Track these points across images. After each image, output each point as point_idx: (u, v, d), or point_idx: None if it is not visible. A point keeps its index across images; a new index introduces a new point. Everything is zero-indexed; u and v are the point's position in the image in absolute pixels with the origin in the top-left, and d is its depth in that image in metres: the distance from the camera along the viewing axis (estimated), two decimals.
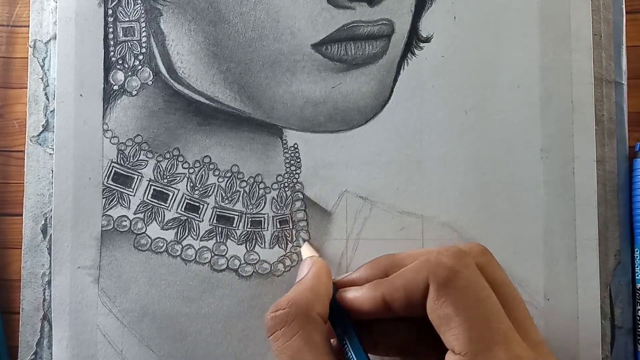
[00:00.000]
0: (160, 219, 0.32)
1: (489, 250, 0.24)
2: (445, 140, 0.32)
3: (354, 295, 0.24)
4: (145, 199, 0.32)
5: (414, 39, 0.32)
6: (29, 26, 0.34)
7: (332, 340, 0.25)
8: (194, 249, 0.32)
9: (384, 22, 0.32)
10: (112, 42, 0.33)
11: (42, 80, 0.33)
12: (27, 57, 0.33)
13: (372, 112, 0.32)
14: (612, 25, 0.32)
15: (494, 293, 0.22)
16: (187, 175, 0.32)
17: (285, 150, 0.32)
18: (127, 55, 0.33)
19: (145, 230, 0.32)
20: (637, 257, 0.31)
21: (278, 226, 0.32)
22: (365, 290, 0.24)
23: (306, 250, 0.30)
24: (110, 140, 0.32)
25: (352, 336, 0.24)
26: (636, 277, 0.31)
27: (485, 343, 0.20)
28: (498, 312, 0.22)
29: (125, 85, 0.32)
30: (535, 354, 0.21)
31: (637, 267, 0.31)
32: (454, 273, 0.22)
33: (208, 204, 0.32)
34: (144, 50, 0.33)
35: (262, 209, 0.32)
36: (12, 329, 0.33)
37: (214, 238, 0.32)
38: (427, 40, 0.32)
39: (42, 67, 0.33)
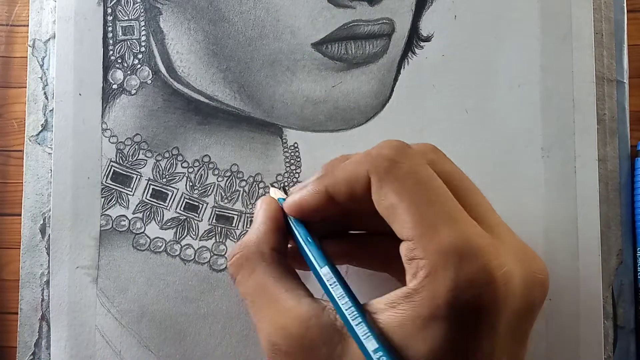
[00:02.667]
0: (159, 218, 0.32)
1: (441, 151, 0.24)
2: (445, 140, 0.32)
3: (300, 195, 0.24)
4: (144, 198, 0.32)
5: (415, 38, 0.32)
6: (28, 25, 0.34)
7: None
8: (193, 248, 0.32)
9: (385, 21, 0.32)
10: (111, 41, 0.33)
11: (41, 79, 0.33)
12: (26, 57, 0.33)
13: (373, 112, 0.32)
14: (613, 23, 0.32)
15: (444, 184, 0.21)
16: (187, 175, 0.32)
17: (285, 150, 0.32)
18: (127, 54, 0.32)
19: (144, 230, 0.32)
20: (639, 256, 0.31)
21: None
22: (309, 186, 0.24)
23: (274, 194, 0.29)
24: (109, 140, 0.32)
25: (307, 240, 0.24)
26: (638, 277, 0.31)
27: (430, 224, 0.20)
28: (443, 194, 0.21)
29: (125, 84, 0.32)
30: (488, 233, 0.21)
31: None
32: (394, 163, 0.21)
33: (207, 204, 0.32)
34: (143, 49, 0.32)
35: None
36: (10, 330, 0.33)
37: (213, 238, 0.32)
38: (428, 39, 0.32)
39: (41, 66, 0.33)
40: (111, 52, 0.33)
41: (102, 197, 0.32)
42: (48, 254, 0.32)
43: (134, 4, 0.33)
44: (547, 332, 0.30)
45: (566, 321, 0.30)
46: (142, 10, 0.33)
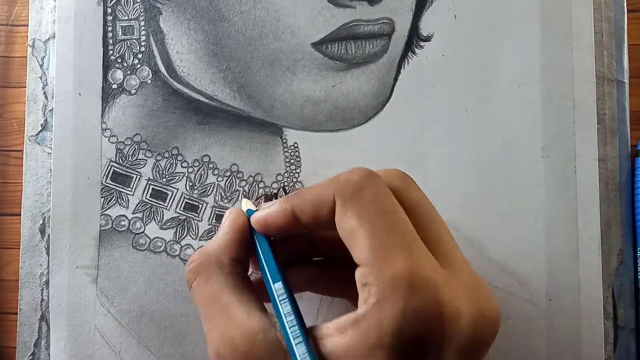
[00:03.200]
0: (159, 218, 0.32)
1: (410, 177, 0.24)
2: (446, 140, 0.31)
3: (267, 211, 0.24)
4: (144, 198, 0.32)
5: (415, 38, 0.32)
6: (28, 25, 0.34)
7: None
8: (193, 248, 0.32)
9: (385, 20, 0.32)
10: (111, 41, 0.33)
11: (41, 79, 0.33)
12: (26, 56, 0.33)
13: (373, 111, 0.32)
14: (613, 23, 0.32)
15: (405, 213, 0.22)
16: (186, 175, 0.32)
17: (285, 150, 0.32)
18: (126, 54, 0.32)
19: (144, 230, 0.32)
20: (639, 256, 0.31)
21: None
22: (276, 204, 0.24)
23: (245, 205, 0.29)
24: (109, 140, 0.32)
25: (267, 254, 0.24)
26: (639, 277, 0.31)
27: (385, 251, 0.20)
28: (404, 224, 0.21)
29: (124, 84, 0.32)
30: (445, 266, 0.21)
31: None
32: (360, 188, 0.22)
33: (207, 204, 0.32)
34: (143, 49, 0.32)
35: None
36: (9, 330, 0.33)
37: None
38: (428, 39, 0.32)
39: (41, 66, 0.33)
40: (111, 52, 0.33)
41: (102, 197, 0.32)
42: (48, 254, 0.32)
43: (133, 3, 0.33)
44: (547, 332, 0.30)
45: (566, 321, 0.30)
46: (142, 10, 0.33)
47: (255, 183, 0.32)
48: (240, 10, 0.32)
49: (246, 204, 0.27)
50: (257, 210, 0.26)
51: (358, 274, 0.20)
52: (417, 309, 0.19)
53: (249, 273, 0.25)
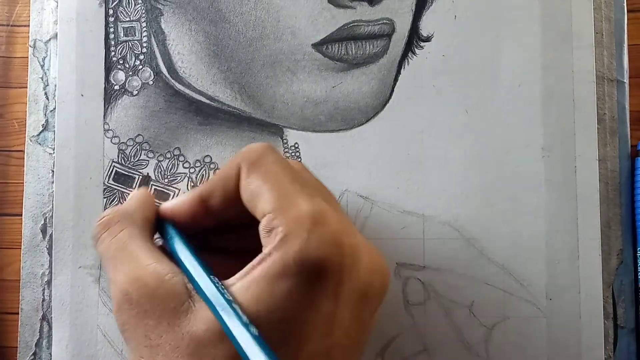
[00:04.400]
0: None
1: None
2: (446, 140, 0.32)
3: (175, 201, 0.25)
4: None
5: (415, 38, 0.32)
6: (29, 26, 0.34)
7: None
8: None
9: (385, 21, 0.32)
10: (113, 42, 0.33)
11: (42, 79, 0.33)
12: (27, 57, 0.33)
13: (373, 112, 0.32)
14: (613, 23, 0.32)
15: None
16: (188, 175, 0.32)
17: (286, 150, 0.32)
18: (128, 55, 0.33)
19: None
20: (639, 256, 0.31)
21: None
22: (185, 194, 0.25)
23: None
24: (111, 140, 0.32)
25: (178, 241, 0.24)
26: (639, 277, 0.31)
27: (290, 198, 0.21)
28: (306, 178, 0.23)
29: (126, 85, 0.32)
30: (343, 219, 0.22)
31: None
32: (263, 153, 0.23)
33: None
34: (144, 50, 0.33)
35: None
36: (11, 330, 0.33)
37: None
38: (428, 39, 0.32)
39: (42, 66, 0.33)
40: (113, 53, 0.33)
41: (105, 198, 0.32)
42: (49, 254, 0.32)
43: (135, 5, 0.33)
44: (547, 332, 0.30)
45: (566, 321, 0.30)
46: (143, 12, 0.33)
47: None
48: (241, 11, 0.32)
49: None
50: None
51: (263, 222, 0.21)
52: (319, 238, 0.20)
53: None
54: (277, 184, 0.22)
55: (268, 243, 0.21)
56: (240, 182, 0.23)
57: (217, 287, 0.21)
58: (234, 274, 0.22)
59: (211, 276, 0.21)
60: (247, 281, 0.21)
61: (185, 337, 0.20)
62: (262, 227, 0.21)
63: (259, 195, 0.22)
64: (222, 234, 0.26)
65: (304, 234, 0.20)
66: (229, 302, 0.20)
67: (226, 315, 0.20)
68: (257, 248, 0.22)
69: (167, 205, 0.25)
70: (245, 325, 0.19)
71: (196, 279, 0.22)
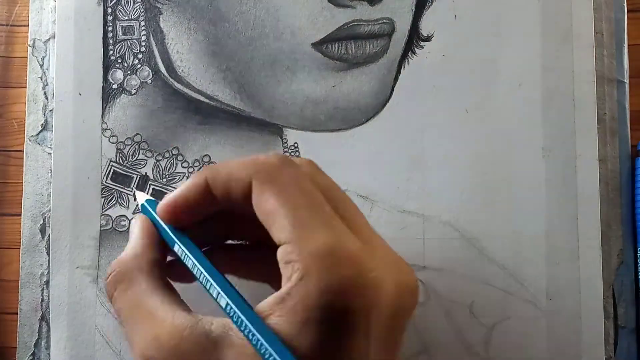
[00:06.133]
0: None
1: (318, 165, 0.25)
2: (446, 140, 0.32)
3: (175, 193, 0.24)
4: None
5: (415, 38, 0.32)
6: (28, 25, 0.34)
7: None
8: None
9: (385, 21, 0.32)
10: (111, 41, 0.33)
11: (41, 79, 0.33)
12: (26, 57, 0.33)
13: (373, 111, 0.32)
14: (613, 23, 0.32)
15: (321, 194, 0.22)
16: (187, 175, 0.32)
17: (286, 149, 0.32)
18: (127, 54, 0.32)
19: None
20: (639, 256, 0.31)
21: None
22: (188, 180, 0.24)
23: (140, 196, 0.28)
24: (109, 140, 0.32)
25: (186, 245, 0.23)
26: (639, 277, 0.31)
27: (307, 228, 0.20)
28: (322, 204, 0.21)
29: (125, 84, 0.32)
30: (362, 242, 0.21)
31: None
32: (278, 169, 0.22)
33: None
34: (143, 49, 0.32)
35: None
36: (10, 330, 0.33)
37: None
38: (428, 39, 0.32)
39: (41, 66, 0.33)
40: (111, 52, 0.33)
41: (102, 197, 0.32)
42: (48, 254, 0.32)
43: (134, 3, 0.33)
44: (547, 332, 0.30)
45: (567, 321, 0.30)
46: (142, 10, 0.33)
47: None
48: (240, 10, 0.32)
49: (141, 196, 0.27)
50: (150, 198, 0.25)
51: (280, 252, 0.21)
52: (341, 280, 0.19)
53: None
54: (292, 210, 0.21)
55: (287, 278, 0.20)
56: (252, 195, 0.22)
57: (260, 324, 0.20)
58: (250, 262, 0.21)
59: (251, 311, 0.20)
60: (274, 322, 0.20)
61: None
62: (279, 257, 0.21)
63: (274, 219, 0.21)
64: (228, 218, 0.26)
65: (324, 275, 0.19)
66: (271, 337, 0.19)
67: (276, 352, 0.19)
68: (260, 238, 0.21)
69: (166, 202, 0.24)
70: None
71: (228, 312, 0.21)
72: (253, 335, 0.19)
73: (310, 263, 0.20)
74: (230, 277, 0.27)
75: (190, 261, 0.23)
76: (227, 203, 0.23)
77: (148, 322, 0.22)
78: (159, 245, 0.25)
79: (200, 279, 0.23)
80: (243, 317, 0.20)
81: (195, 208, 0.24)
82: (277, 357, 0.19)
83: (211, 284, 0.22)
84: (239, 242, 0.27)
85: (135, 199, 0.32)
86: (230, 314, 0.21)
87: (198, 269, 0.23)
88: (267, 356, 0.19)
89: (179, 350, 0.21)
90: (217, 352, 0.20)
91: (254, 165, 0.22)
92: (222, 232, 0.27)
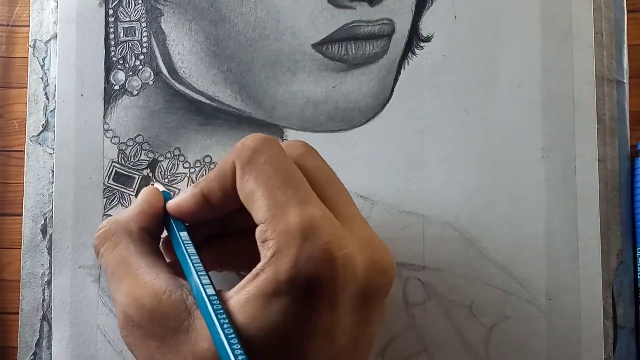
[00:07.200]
0: None
1: (312, 147, 0.25)
2: (446, 140, 0.32)
3: (180, 197, 0.25)
4: None
5: (415, 39, 0.32)
6: (29, 26, 0.34)
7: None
8: None
9: (385, 21, 0.32)
10: (112, 42, 0.33)
11: (42, 80, 0.33)
12: (27, 57, 0.33)
13: (373, 112, 0.32)
14: (613, 23, 0.32)
15: (299, 171, 0.23)
16: (188, 175, 0.32)
17: None
18: (128, 55, 0.33)
19: None
20: (639, 256, 0.31)
21: None
22: (188, 190, 0.25)
23: (159, 188, 0.29)
24: (111, 140, 0.32)
25: (182, 239, 0.24)
26: (638, 277, 0.31)
27: (280, 207, 0.21)
28: (299, 181, 0.22)
29: (126, 85, 0.32)
30: (340, 221, 0.22)
31: None
32: (255, 152, 0.22)
33: None
34: (144, 50, 0.33)
35: None
36: (11, 330, 0.33)
37: None
38: (428, 39, 0.32)
39: (42, 66, 0.33)
40: (113, 53, 0.33)
41: (104, 198, 0.32)
42: (49, 254, 0.32)
43: (135, 5, 0.33)
44: (547, 332, 0.30)
45: (566, 321, 0.30)
46: (143, 12, 0.33)
47: None
48: (241, 11, 0.32)
49: (160, 187, 0.28)
50: (166, 191, 0.27)
51: (257, 232, 0.21)
52: (309, 254, 0.20)
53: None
54: (268, 190, 0.21)
55: (262, 256, 0.21)
56: (236, 182, 0.23)
57: (213, 308, 0.21)
58: (247, 257, 0.22)
59: (210, 295, 0.21)
60: (243, 298, 0.21)
61: (188, 357, 0.20)
62: (257, 237, 0.21)
63: (253, 200, 0.22)
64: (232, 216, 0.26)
65: (294, 250, 0.20)
66: (223, 326, 0.20)
67: (221, 338, 0.20)
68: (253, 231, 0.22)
69: (174, 202, 0.25)
70: (235, 351, 0.19)
71: (195, 294, 0.22)
72: (208, 316, 0.20)
73: (282, 240, 0.20)
74: (225, 273, 0.28)
75: (177, 244, 0.24)
76: (226, 203, 0.24)
77: (130, 282, 0.23)
78: (156, 216, 0.25)
79: (184, 264, 0.24)
80: (200, 294, 0.21)
81: (194, 214, 0.25)
82: (223, 340, 0.19)
83: (184, 265, 0.23)
84: (234, 240, 0.28)
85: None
86: (194, 290, 0.22)
87: (182, 252, 0.24)
88: (215, 338, 0.20)
89: (157, 312, 0.21)
90: (190, 320, 0.21)
91: (235, 152, 0.23)
92: (221, 231, 0.27)
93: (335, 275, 0.20)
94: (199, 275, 0.22)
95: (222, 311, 0.20)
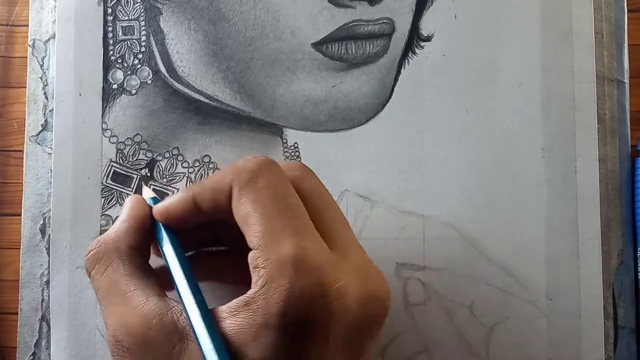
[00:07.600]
0: None
1: (310, 169, 0.25)
2: (446, 140, 0.32)
3: (168, 201, 0.25)
4: None
5: (415, 38, 0.32)
6: (28, 25, 0.34)
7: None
8: None
9: (385, 21, 0.32)
10: (111, 41, 0.33)
11: (41, 79, 0.33)
12: (27, 57, 0.33)
13: (373, 112, 0.32)
14: (613, 23, 0.32)
15: (299, 199, 0.22)
16: (187, 175, 0.32)
17: (286, 150, 0.32)
18: (127, 54, 0.32)
19: None
20: (639, 256, 0.31)
21: None
22: (178, 194, 0.25)
23: (146, 194, 0.29)
24: (109, 140, 0.32)
25: (171, 247, 0.24)
26: (639, 277, 0.31)
27: (274, 235, 0.21)
28: (296, 209, 0.22)
29: (125, 84, 0.32)
30: (335, 249, 0.22)
31: None
32: (255, 175, 0.22)
33: None
34: (143, 49, 0.32)
35: None
36: (10, 330, 0.33)
37: None
38: (428, 39, 0.32)
39: (41, 66, 0.33)
40: (111, 52, 0.33)
41: (103, 197, 0.32)
42: (48, 254, 0.32)
43: (134, 4, 0.33)
44: (547, 332, 0.30)
45: (567, 321, 0.30)
46: (142, 10, 0.33)
47: None
48: (240, 10, 0.32)
49: (147, 193, 0.28)
50: (155, 197, 0.26)
51: (250, 257, 0.21)
52: (301, 289, 0.20)
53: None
54: (264, 217, 0.21)
55: (254, 282, 0.21)
56: (232, 203, 0.22)
57: (209, 333, 0.20)
58: (240, 271, 0.22)
59: (205, 312, 0.21)
60: (236, 325, 0.20)
61: None
62: (249, 262, 0.21)
63: (248, 224, 0.21)
64: (224, 230, 0.26)
65: (286, 283, 0.20)
66: (222, 351, 0.20)
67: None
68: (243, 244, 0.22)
69: (162, 206, 0.25)
70: None
71: (191, 318, 0.21)
72: (197, 335, 0.20)
73: (274, 270, 0.20)
74: (213, 282, 0.28)
75: (164, 253, 0.24)
76: (217, 213, 0.24)
77: (121, 306, 0.23)
78: (144, 230, 0.25)
79: (174, 279, 0.23)
80: (192, 316, 0.21)
81: (182, 219, 0.25)
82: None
83: (176, 282, 0.23)
84: (224, 248, 0.28)
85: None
86: (186, 312, 0.22)
87: (171, 265, 0.23)
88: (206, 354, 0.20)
89: (146, 338, 0.21)
90: (181, 344, 0.21)
91: (233, 172, 0.23)
92: (209, 239, 0.27)
93: (327, 310, 0.20)
94: (192, 293, 0.22)
95: (216, 336, 0.20)
